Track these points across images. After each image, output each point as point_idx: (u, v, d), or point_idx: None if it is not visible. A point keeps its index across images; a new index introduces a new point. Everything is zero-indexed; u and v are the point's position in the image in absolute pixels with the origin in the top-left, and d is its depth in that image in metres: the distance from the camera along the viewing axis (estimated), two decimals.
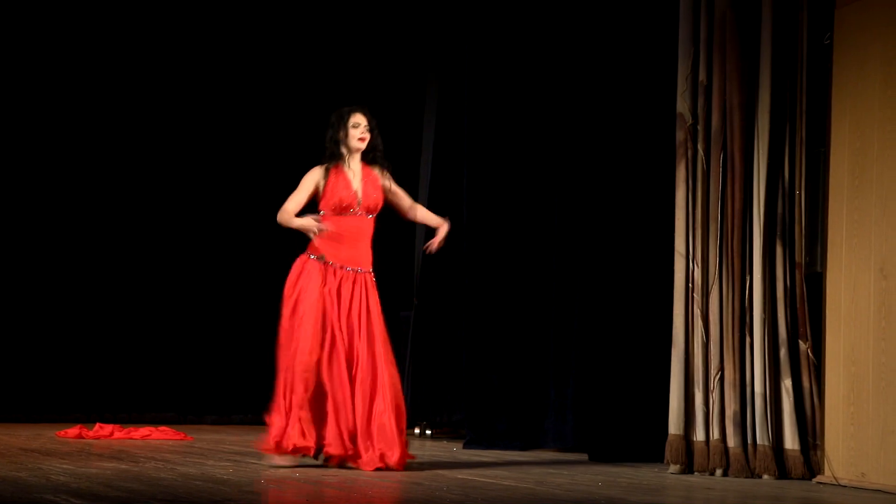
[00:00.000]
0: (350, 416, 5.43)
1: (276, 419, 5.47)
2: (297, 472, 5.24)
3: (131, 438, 7.21)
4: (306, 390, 5.44)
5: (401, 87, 9.10)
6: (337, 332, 5.50)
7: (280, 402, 5.48)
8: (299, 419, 5.41)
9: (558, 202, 7.17)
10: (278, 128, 9.13)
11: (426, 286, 8.28)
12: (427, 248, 5.90)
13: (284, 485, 4.77)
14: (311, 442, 5.44)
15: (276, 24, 9.19)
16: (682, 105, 5.95)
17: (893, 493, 5.07)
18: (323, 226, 5.57)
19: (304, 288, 5.54)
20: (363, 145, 5.70)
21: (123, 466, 5.30)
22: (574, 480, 5.27)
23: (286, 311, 5.57)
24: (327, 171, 5.66)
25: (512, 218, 7.35)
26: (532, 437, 7.14)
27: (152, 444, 6.89)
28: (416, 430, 8.24)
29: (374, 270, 5.73)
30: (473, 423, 7.24)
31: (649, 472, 5.79)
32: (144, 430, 7.36)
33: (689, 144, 5.91)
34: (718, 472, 5.66)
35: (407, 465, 5.49)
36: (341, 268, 5.60)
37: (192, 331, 8.89)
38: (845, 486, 5.34)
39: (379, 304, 5.67)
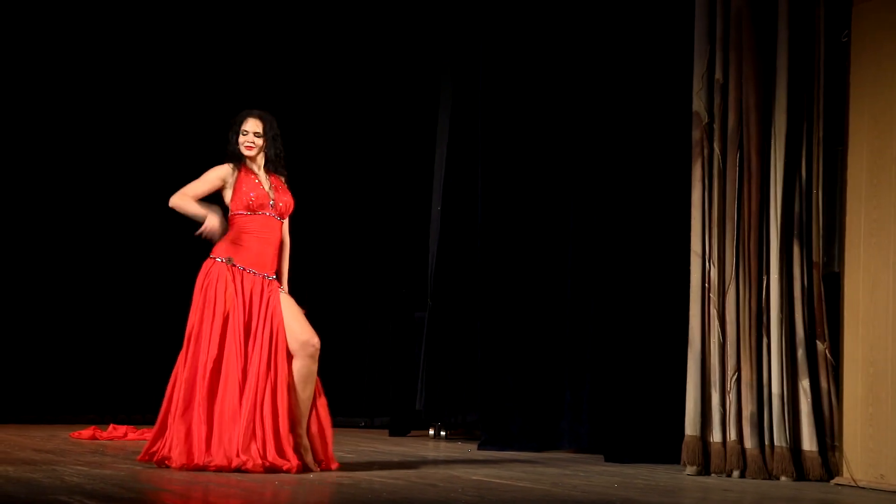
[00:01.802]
0: (235, 428, 5.22)
1: (191, 429, 5.23)
2: (312, 475, 5.22)
3: (145, 439, 7.19)
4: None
5: (415, 86, 9.08)
6: (238, 341, 5.30)
7: (189, 412, 5.26)
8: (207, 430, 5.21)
9: (573, 202, 7.14)
10: (292, 128, 9.11)
11: (441, 287, 8.26)
12: None
13: (301, 486, 4.75)
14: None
15: (290, 24, 9.19)
16: (698, 104, 5.91)
17: None
18: (223, 227, 5.38)
19: (216, 294, 5.33)
20: (250, 153, 5.50)
21: (137, 468, 5.29)
22: (590, 482, 5.24)
23: (194, 317, 5.35)
24: (235, 170, 5.48)
25: (527, 218, 7.32)
26: (547, 437, 7.11)
27: None
28: (431, 432, 8.21)
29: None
30: (488, 424, 7.21)
31: (665, 474, 5.75)
32: None
33: (706, 143, 5.87)
34: (735, 473, 5.62)
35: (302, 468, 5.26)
36: (248, 272, 5.41)
37: None
38: (864, 488, 5.29)
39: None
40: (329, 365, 9.19)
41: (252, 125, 5.53)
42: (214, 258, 5.44)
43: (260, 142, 5.53)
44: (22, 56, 8.65)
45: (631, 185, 6.75)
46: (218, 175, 5.48)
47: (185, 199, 5.43)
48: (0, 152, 8.62)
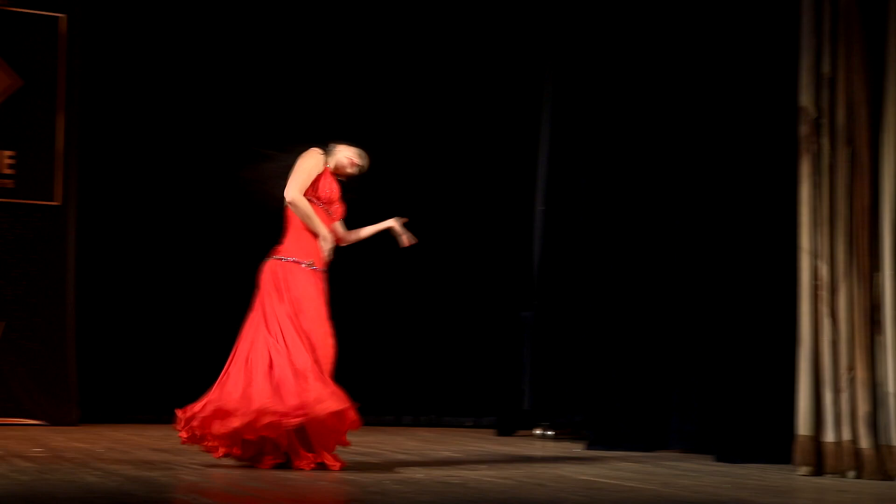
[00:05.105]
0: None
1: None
2: (420, 473, 5.26)
3: None
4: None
5: (517, 85, 9.09)
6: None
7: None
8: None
9: (679, 199, 7.07)
10: (397, 128, 9.19)
11: (545, 286, 8.25)
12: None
13: (409, 483, 4.78)
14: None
15: (391, 22, 9.25)
16: (806, 99, 5.81)
17: None
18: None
19: (307, 293, 5.45)
20: (343, 175, 5.67)
21: (249, 467, 5.37)
22: (700, 482, 5.19)
23: (289, 310, 5.42)
24: (325, 162, 5.62)
25: (631, 216, 7.27)
26: (655, 437, 7.06)
27: None
28: (538, 431, 8.21)
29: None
30: (596, 424, 7.19)
31: (777, 474, 5.66)
32: None
33: (813, 139, 5.77)
34: (851, 473, 5.52)
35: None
36: (322, 271, 5.56)
37: None
38: None
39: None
40: (436, 364, 9.31)
41: (366, 164, 5.73)
42: (296, 261, 5.51)
43: (356, 173, 5.71)
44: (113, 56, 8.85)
45: (736, 182, 6.66)
46: (316, 164, 5.60)
47: (307, 204, 5.53)
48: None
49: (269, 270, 5.54)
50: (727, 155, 6.72)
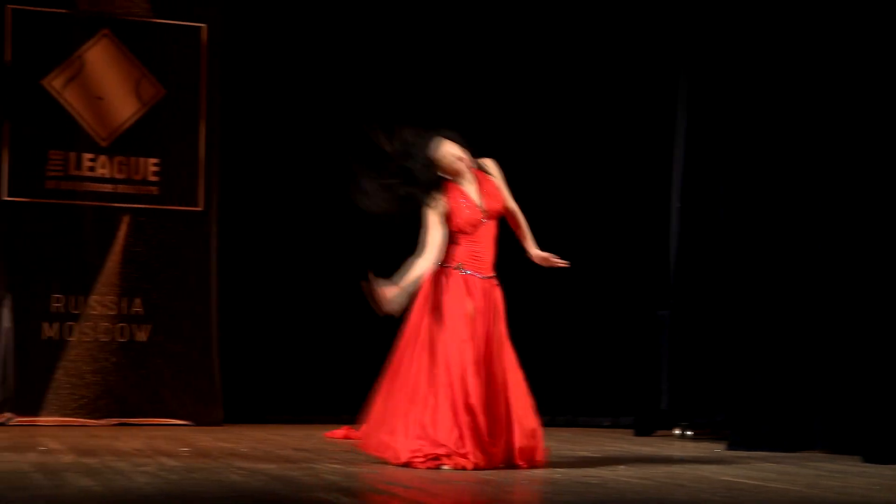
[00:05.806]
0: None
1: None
2: (558, 473, 5.25)
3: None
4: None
5: (653, 83, 9.00)
6: (479, 342, 5.48)
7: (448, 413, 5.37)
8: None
9: (824, 195, 6.88)
10: (535, 127, 9.18)
11: (682, 285, 8.13)
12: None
13: (547, 483, 4.78)
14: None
15: (530, 24, 9.25)
16: None
17: None
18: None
19: (450, 299, 5.49)
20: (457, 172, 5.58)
21: (391, 468, 5.43)
22: (847, 483, 5.05)
23: (428, 321, 5.49)
24: (444, 195, 5.58)
25: (773, 213, 7.11)
26: (799, 438, 6.89)
27: None
28: (677, 431, 8.10)
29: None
30: (737, 424, 7.05)
31: None
32: None
33: None
34: None
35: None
36: (478, 277, 5.56)
37: None
38: None
39: (504, 312, 5.63)
40: (572, 364, 9.27)
41: (460, 150, 5.60)
42: (445, 265, 5.56)
43: (467, 162, 5.60)
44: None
45: (885, 176, 6.46)
46: (426, 216, 5.57)
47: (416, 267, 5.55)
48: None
49: (428, 279, 5.56)
50: (874, 154, 6.52)
